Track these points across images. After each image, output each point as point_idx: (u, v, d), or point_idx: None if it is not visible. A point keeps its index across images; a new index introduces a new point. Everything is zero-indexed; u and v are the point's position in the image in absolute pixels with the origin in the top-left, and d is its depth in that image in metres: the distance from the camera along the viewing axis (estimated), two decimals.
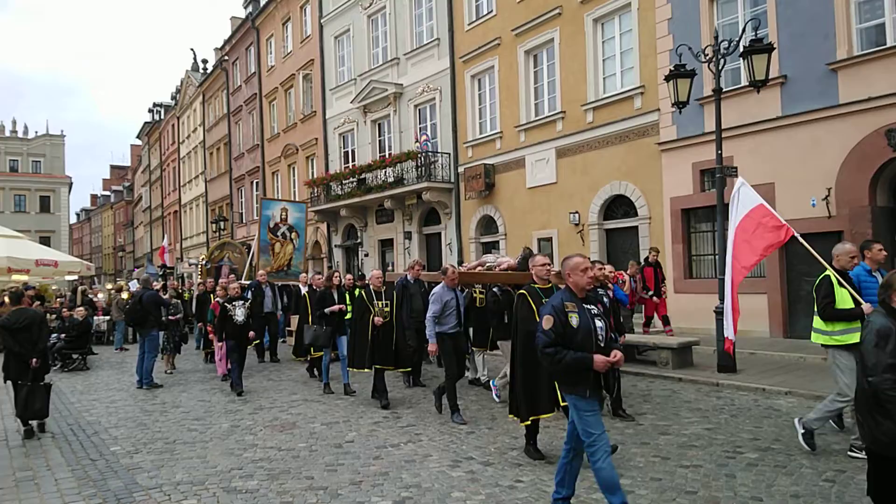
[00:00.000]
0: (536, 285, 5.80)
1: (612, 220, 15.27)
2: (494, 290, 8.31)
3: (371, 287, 8.64)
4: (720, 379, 9.07)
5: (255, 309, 12.00)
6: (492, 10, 18.09)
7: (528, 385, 5.64)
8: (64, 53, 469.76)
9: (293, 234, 16.68)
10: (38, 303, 15.19)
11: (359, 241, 24.40)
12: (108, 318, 18.82)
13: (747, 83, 9.93)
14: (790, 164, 11.58)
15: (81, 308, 14.92)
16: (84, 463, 6.31)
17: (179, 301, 14.11)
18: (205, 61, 42.23)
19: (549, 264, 5.96)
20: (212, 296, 12.86)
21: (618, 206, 15.14)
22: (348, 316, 9.74)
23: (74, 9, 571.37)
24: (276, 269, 15.65)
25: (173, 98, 49.68)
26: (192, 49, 73.99)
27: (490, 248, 18.72)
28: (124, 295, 18.10)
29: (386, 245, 23.25)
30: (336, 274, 10.06)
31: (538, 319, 5.09)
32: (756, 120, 12.00)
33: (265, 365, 12.83)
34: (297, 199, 27.67)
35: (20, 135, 58.16)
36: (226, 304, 9.84)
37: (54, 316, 16.16)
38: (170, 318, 12.54)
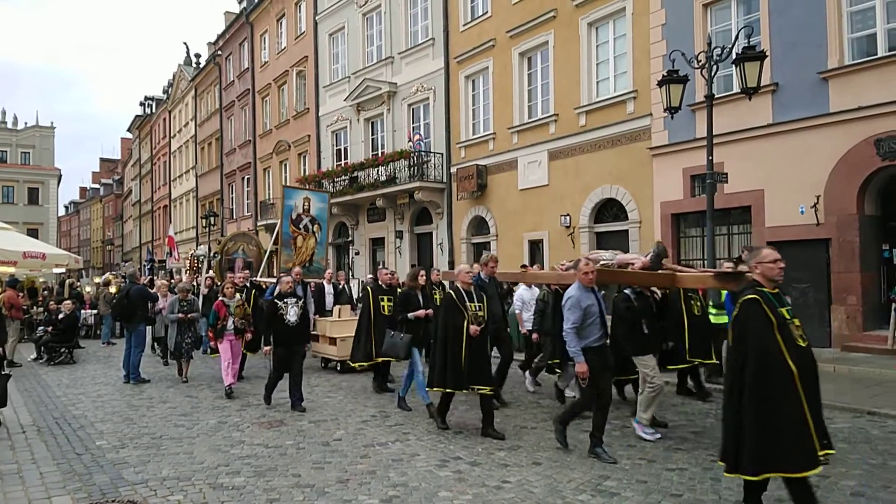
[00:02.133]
0: (764, 289, 4.42)
1: (603, 223, 15.33)
2: (627, 292, 7.02)
3: (460, 286, 7.03)
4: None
5: None
6: (487, 12, 18.12)
7: (772, 426, 4.16)
8: (63, 44, 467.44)
9: (315, 227, 15.06)
10: (22, 295, 15.10)
11: (350, 239, 24.37)
12: (95, 311, 18.70)
13: (739, 90, 10.01)
14: (780, 171, 11.68)
15: (69, 301, 14.82)
16: (69, 457, 6.28)
17: (196, 297, 12.09)
18: (198, 55, 42.02)
19: (781, 260, 4.57)
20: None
21: (608, 209, 15.21)
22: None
23: (71, 1, 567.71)
24: (298, 264, 14.32)
25: (165, 92, 49.41)
26: (185, 43, 73.40)
27: (481, 249, 18.75)
28: (112, 289, 17.98)
29: (377, 244, 23.23)
30: (421, 273, 8.46)
31: (776, 334, 4.21)
32: (747, 126, 12.09)
33: (261, 363, 12.66)
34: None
35: (10, 125, 57.62)
36: (276, 301, 8.34)
37: (42, 309, 16.07)
38: (182, 315, 10.92)
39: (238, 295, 9.99)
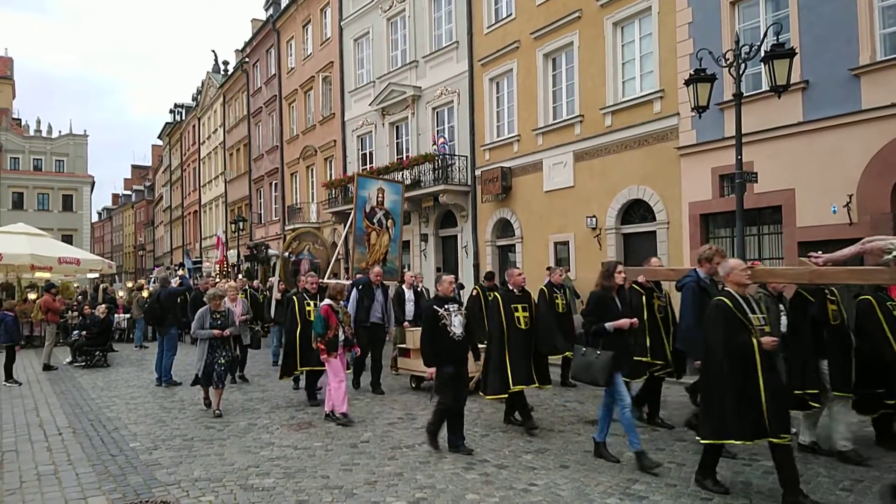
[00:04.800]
0: None
1: (630, 224, 15.19)
2: None
3: (733, 290, 5.10)
4: None
5: (359, 316, 9.34)
6: (511, 14, 18.10)
7: None
8: (99, 54, 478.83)
9: (389, 222, 13.21)
10: (58, 298, 15.46)
11: None
12: (128, 316, 19.08)
13: (768, 88, 9.86)
14: (811, 170, 11.47)
15: (103, 305, 15.14)
16: (104, 458, 6.42)
17: (230, 309, 9.40)
18: (225, 63, 42.69)
19: None
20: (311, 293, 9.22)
21: (636, 210, 15.07)
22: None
23: (111, 11, 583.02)
24: (371, 264, 12.54)
25: (194, 99, 50.26)
26: (213, 51, 74.84)
27: (507, 251, 18.72)
28: (144, 293, 18.33)
29: (402, 247, 23.30)
30: (618, 268, 6.28)
31: None
32: (777, 125, 11.89)
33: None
34: (318, 200, 27.85)
35: (44, 134, 59.14)
36: (435, 307, 6.51)
37: (76, 313, 16.45)
38: (219, 331, 8.48)
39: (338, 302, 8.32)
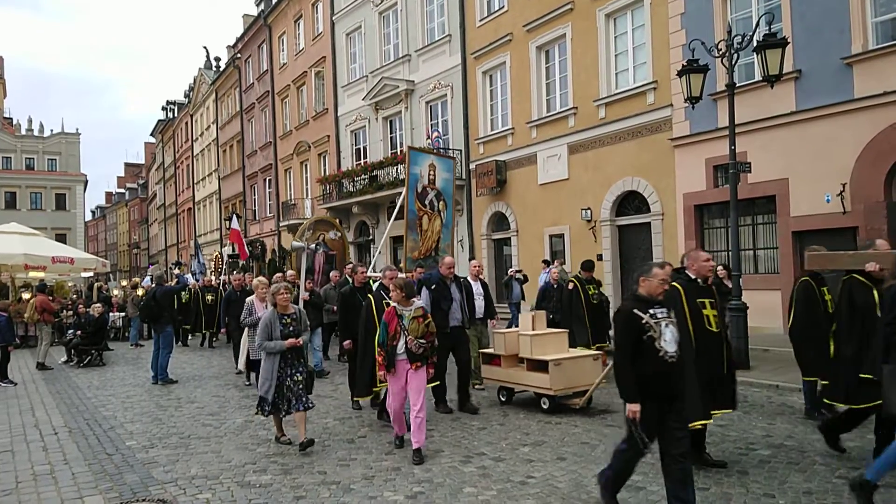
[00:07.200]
0: None
1: (625, 216, 15.21)
2: None
3: None
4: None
5: (437, 322, 6.75)
6: (503, 6, 18.06)
7: None
8: (94, 53, 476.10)
9: (441, 204, 11.47)
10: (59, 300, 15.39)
11: (371, 238, 24.47)
12: (123, 314, 19.02)
13: (761, 78, 9.87)
14: (804, 159, 11.50)
15: (98, 304, 15.09)
16: (100, 457, 6.40)
17: (300, 309, 6.93)
18: (217, 59, 42.52)
19: None
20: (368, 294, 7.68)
21: (630, 202, 15.09)
22: None
23: (103, 8, 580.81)
24: (423, 253, 11.18)
25: (187, 96, 50.03)
26: (205, 47, 74.34)
27: (502, 245, 18.72)
28: (139, 291, 18.26)
29: (398, 242, 23.24)
30: None
31: None
32: (770, 115, 11.92)
33: None
34: (313, 196, 27.77)
35: (36, 133, 58.82)
36: (635, 311, 4.34)
37: (71, 312, 16.40)
38: (294, 340, 6.39)
39: (416, 300, 6.42)
